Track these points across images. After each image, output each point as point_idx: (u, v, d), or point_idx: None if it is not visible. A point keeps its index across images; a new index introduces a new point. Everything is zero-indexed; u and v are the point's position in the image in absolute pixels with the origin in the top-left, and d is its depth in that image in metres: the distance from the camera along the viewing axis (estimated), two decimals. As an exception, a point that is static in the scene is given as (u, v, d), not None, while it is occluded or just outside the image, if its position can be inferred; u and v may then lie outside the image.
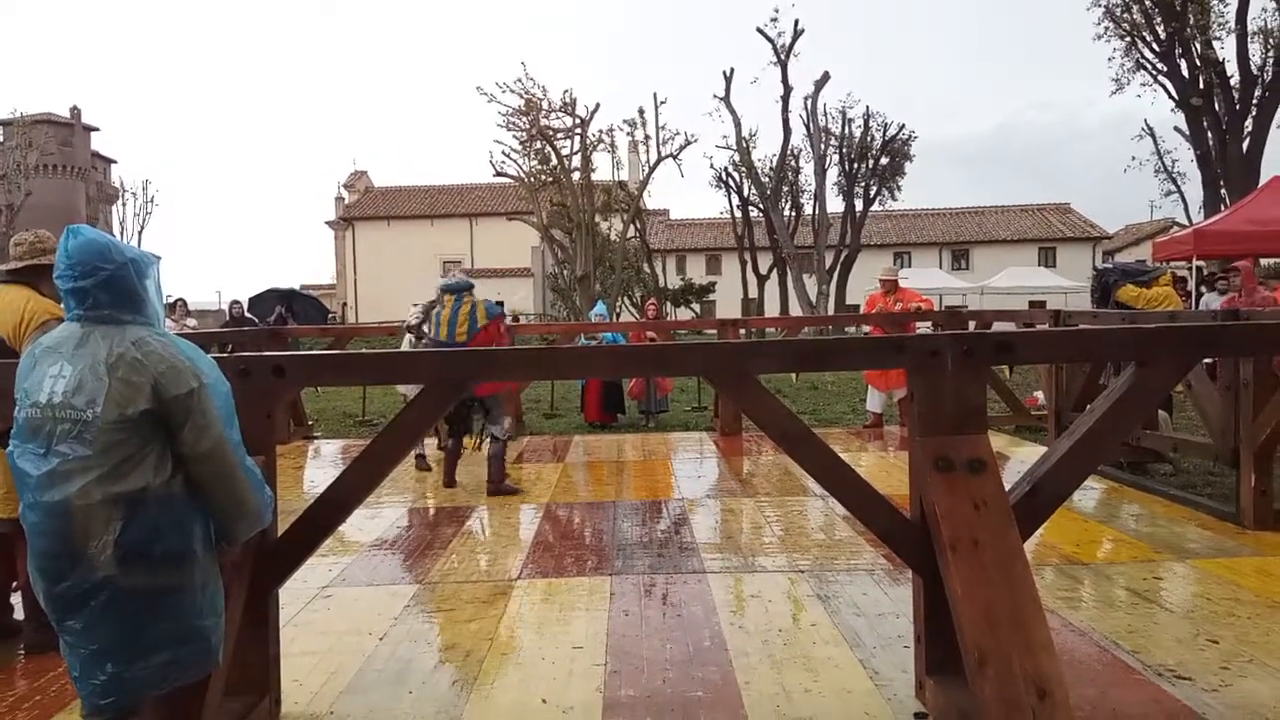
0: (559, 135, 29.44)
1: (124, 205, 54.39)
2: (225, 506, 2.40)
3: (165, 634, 2.33)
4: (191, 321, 14.80)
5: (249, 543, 2.77)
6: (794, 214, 34.75)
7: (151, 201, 53.96)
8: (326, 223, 54.20)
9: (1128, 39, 24.38)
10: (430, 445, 8.59)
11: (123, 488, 2.21)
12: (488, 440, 7.29)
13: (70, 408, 2.22)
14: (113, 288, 2.31)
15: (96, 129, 52.93)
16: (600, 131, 30.08)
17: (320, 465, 8.93)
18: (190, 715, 2.57)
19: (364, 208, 53.31)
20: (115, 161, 56.27)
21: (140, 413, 2.23)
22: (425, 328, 7.68)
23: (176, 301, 14.80)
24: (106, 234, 2.44)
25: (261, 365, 3.17)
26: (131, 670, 2.30)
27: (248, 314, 15.41)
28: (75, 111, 51.90)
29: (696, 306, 40.38)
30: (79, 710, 2.43)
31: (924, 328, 10.51)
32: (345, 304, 50.15)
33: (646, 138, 30.18)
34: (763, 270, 35.70)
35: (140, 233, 53.35)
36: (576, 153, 29.68)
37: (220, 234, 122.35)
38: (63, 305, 2.38)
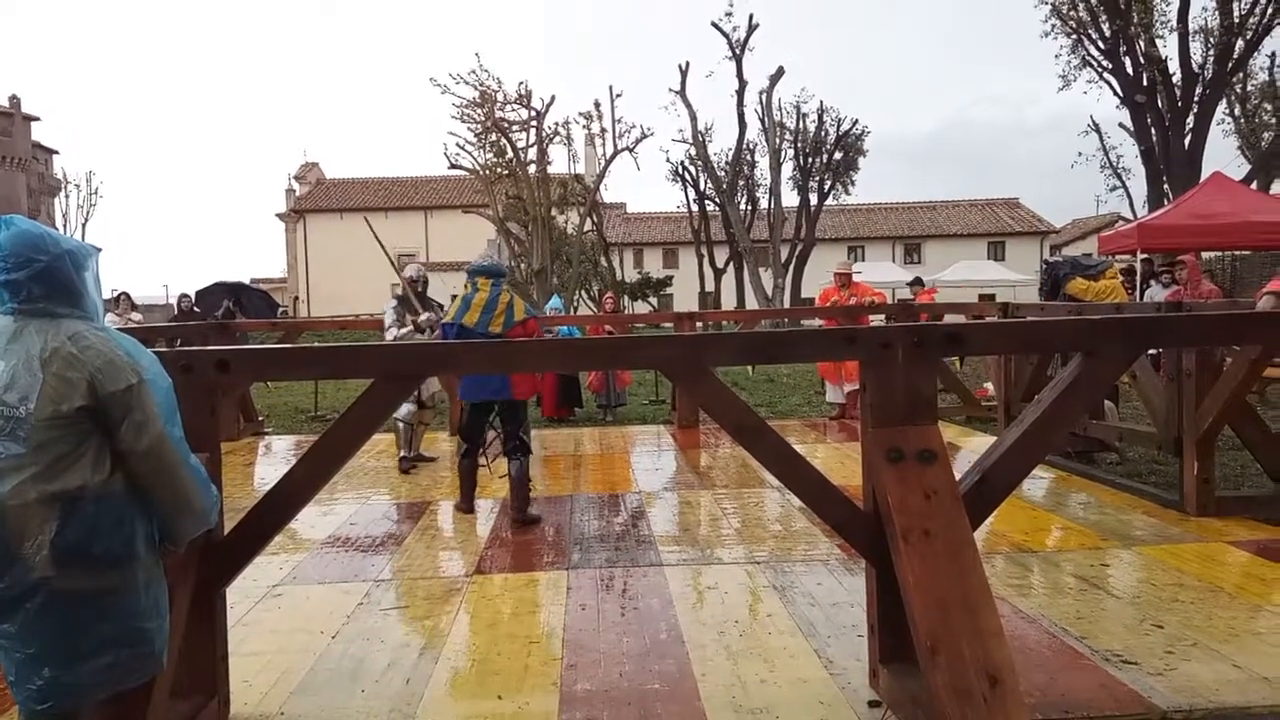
0: (514, 128, 29.28)
1: (67, 197, 53.06)
2: (168, 505, 2.35)
3: (106, 636, 2.26)
4: (136, 316, 14.44)
5: (194, 542, 2.70)
6: (750, 208, 34.98)
7: (96, 193, 52.80)
8: (277, 215, 53.28)
9: (1074, 36, 24.92)
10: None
11: (59, 486, 2.15)
12: (504, 459, 6.08)
13: (2, 404, 2.14)
14: (48, 280, 2.24)
15: (37, 118, 51.19)
16: (556, 124, 30.09)
17: (271, 462, 8.78)
18: (133, 719, 2.51)
19: (315, 200, 52.46)
20: (57, 152, 54.52)
21: (76, 409, 2.16)
22: (420, 317, 7.52)
23: (120, 295, 14.44)
24: (42, 225, 2.36)
25: (204, 360, 3.10)
26: (70, 674, 2.23)
27: (195, 308, 15.10)
28: (15, 100, 50.22)
29: (654, 300, 40.43)
30: (16, 716, 2.35)
31: (877, 320, 10.63)
32: (296, 298, 49.36)
33: (603, 131, 30.22)
34: (719, 264, 35.88)
35: (84, 225, 52.11)
36: (532, 145, 29.55)
37: (167, 226, 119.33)
38: None
